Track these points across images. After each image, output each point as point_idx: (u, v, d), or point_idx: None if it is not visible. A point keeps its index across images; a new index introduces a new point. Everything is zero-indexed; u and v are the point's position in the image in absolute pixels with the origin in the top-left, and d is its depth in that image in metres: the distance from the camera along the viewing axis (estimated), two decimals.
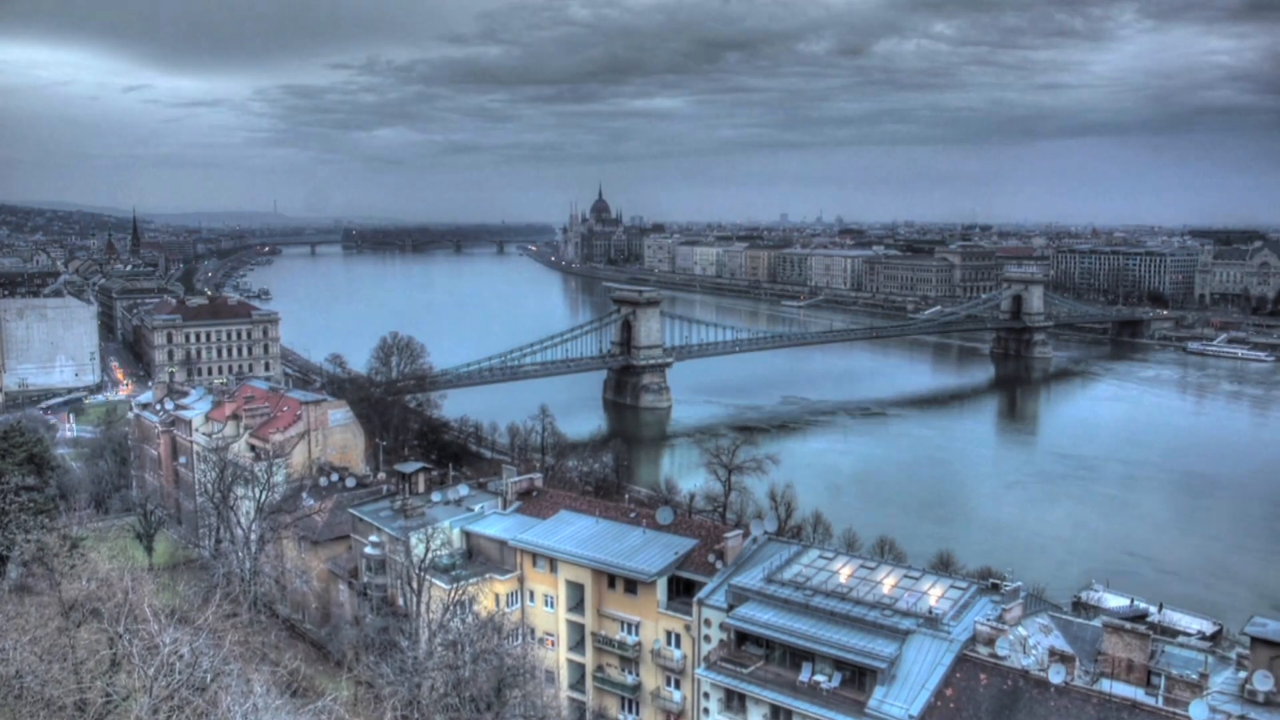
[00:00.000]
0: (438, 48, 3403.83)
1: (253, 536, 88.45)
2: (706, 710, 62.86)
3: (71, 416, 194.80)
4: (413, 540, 76.65)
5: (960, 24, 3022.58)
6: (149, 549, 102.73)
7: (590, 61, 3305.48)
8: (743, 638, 61.95)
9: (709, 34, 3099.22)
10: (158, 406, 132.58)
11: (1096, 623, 57.75)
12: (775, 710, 58.31)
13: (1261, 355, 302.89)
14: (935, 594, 60.03)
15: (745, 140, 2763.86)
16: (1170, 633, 70.47)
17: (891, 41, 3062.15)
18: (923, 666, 54.37)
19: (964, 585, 61.80)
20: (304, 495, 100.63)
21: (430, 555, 74.87)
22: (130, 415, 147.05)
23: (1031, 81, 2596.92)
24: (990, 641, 53.78)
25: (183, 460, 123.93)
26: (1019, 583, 60.99)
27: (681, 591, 69.75)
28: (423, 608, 73.33)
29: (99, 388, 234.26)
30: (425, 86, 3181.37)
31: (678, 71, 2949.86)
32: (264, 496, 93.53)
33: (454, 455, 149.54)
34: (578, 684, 75.86)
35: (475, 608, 71.65)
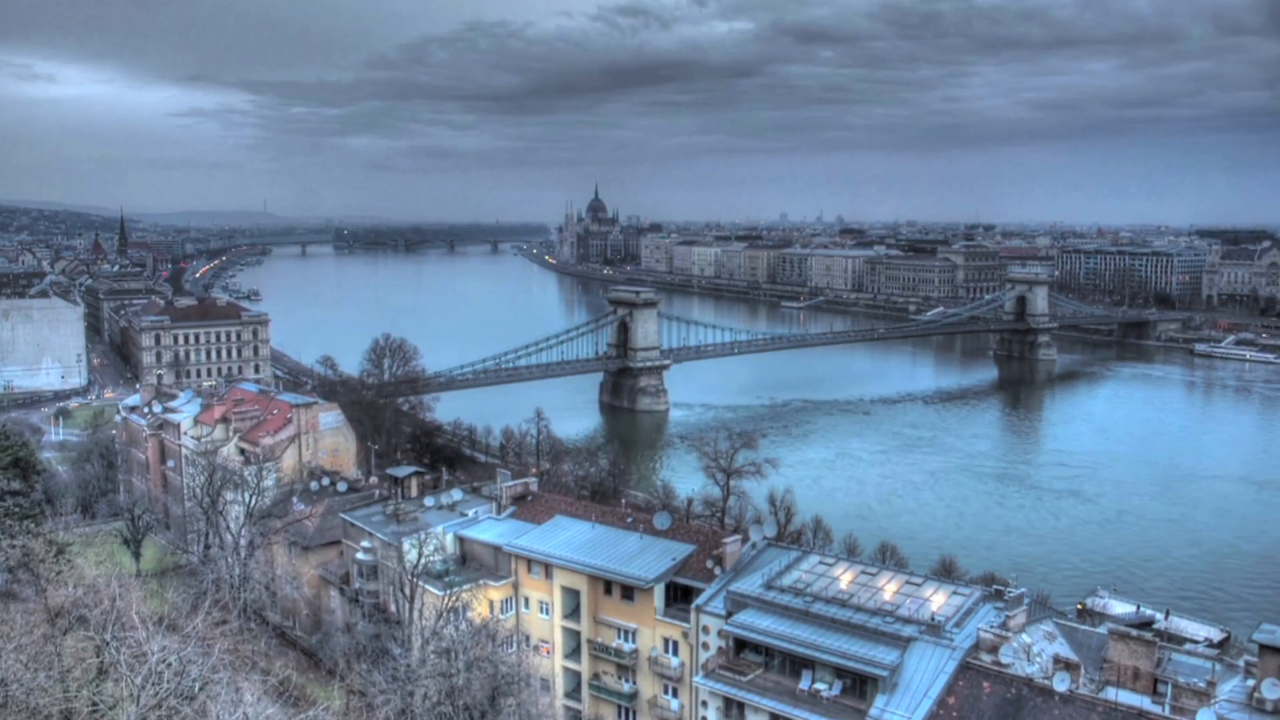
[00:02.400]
0: (370, 70, 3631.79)
1: (242, 542, 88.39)
2: (705, 719, 62.88)
3: (60, 419, 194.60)
4: (405, 546, 76.63)
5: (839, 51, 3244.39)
6: (137, 555, 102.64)
7: (517, 85, 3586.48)
8: (741, 645, 61.97)
9: (618, 61, 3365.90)
10: (145, 409, 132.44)
11: (1102, 630, 57.83)
12: (775, 719, 58.34)
13: (1270, 357, 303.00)
14: (937, 600, 60.08)
15: (699, 146, 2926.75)
16: (1177, 640, 70.50)
17: (779, 64, 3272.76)
18: (925, 674, 54.41)
19: (967, 591, 61.87)
20: (294, 500, 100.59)
21: (423, 561, 74.80)
22: (118, 418, 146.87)
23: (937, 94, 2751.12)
24: (994, 649, 53.81)
25: (171, 464, 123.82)
26: (1023, 589, 61.12)
27: (679, 598, 69.70)
28: (415, 615, 73.24)
29: (86, 390, 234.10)
30: (382, 101, 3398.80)
31: (602, 89, 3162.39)
32: (254, 501, 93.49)
33: (447, 459, 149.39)
34: (573, 692, 75.82)
35: (469, 614, 71.56)
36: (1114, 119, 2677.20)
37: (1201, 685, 49.03)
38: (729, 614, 63.37)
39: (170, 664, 40.41)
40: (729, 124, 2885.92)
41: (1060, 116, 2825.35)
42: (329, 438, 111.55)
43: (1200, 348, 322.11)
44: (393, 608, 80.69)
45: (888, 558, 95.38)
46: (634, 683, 71.99)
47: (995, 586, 63.09)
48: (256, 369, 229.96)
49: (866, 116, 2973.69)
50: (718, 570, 68.17)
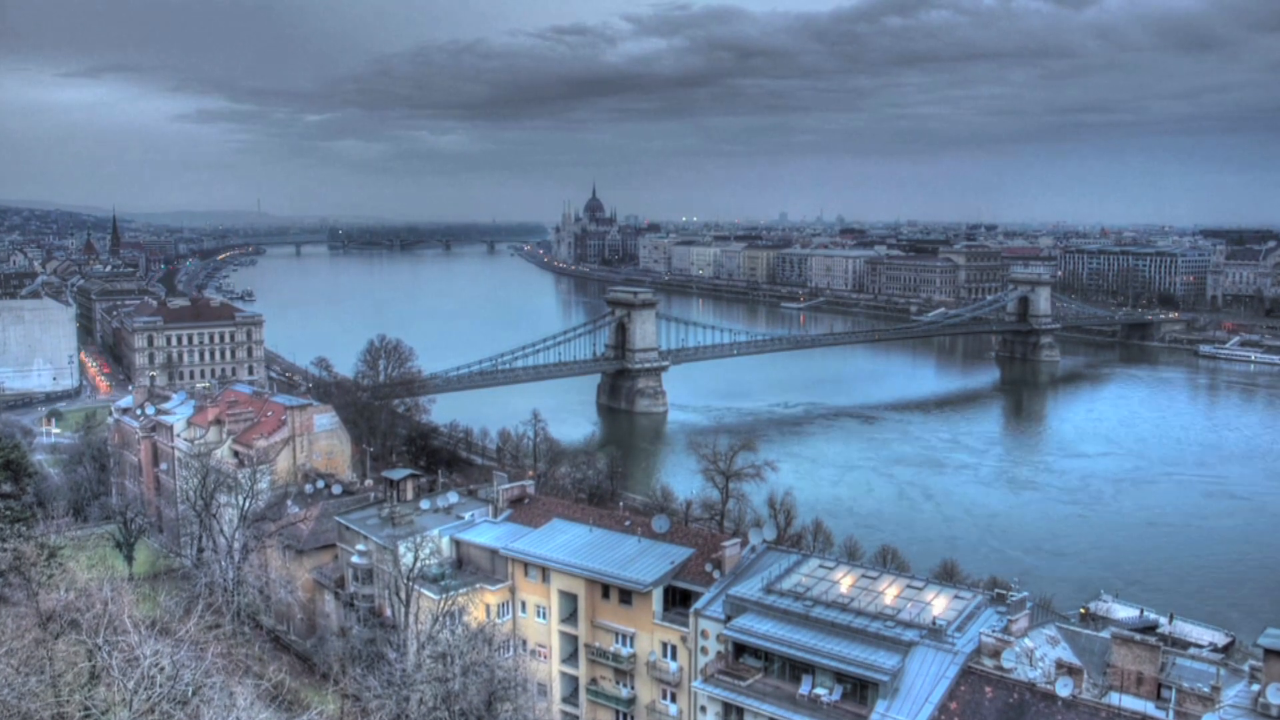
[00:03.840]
0: (339, 83, 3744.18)
1: (236, 545, 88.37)
2: None
3: (52, 421, 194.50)
4: (401, 549, 76.62)
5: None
6: (129, 558, 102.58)
7: (486, 94, 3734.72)
8: (741, 649, 61.99)
9: (575, 72, 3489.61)
10: (138, 411, 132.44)
11: (1105, 634, 57.85)
12: None
13: (1275, 359, 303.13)
14: (939, 604, 60.09)
15: (676, 149, 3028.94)
16: (1181, 644, 70.57)
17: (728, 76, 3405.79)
18: (926, 679, 54.42)
19: (969, 595, 61.88)
20: (289, 503, 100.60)
21: (419, 565, 74.77)
22: (110, 420, 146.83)
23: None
24: (996, 653, 53.82)
25: (164, 467, 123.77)
26: (1025, 593, 60.98)
27: (678, 602, 69.72)
28: (411, 619, 73.27)
29: (77, 391, 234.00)
30: (359, 109, 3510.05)
31: (568, 98, 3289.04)
32: (247, 504, 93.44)
33: (443, 461, 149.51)
34: (571, 697, 75.78)
35: (465, 619, 71.58)
36: (1061, 123, 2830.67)
37: (1206, 690, 49.02)
38: (728, 618, 63.36)
39: (163, 668, 40.43)
40: (694, 129, 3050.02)
41: (1008, 122, 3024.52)
42: (324, 440, 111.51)
43: (1205, 349, 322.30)
44: (388, 612, 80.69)
45: (889, 561, 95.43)
46: (632, 688, 71.95)
47: (997, 590, 63.03)
48: (250, 370, 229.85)
49: (832, 122, 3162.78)
50: (717, 574, 68.20)
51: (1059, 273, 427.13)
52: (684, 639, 67.94)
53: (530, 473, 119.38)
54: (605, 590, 72.26)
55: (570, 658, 75.29)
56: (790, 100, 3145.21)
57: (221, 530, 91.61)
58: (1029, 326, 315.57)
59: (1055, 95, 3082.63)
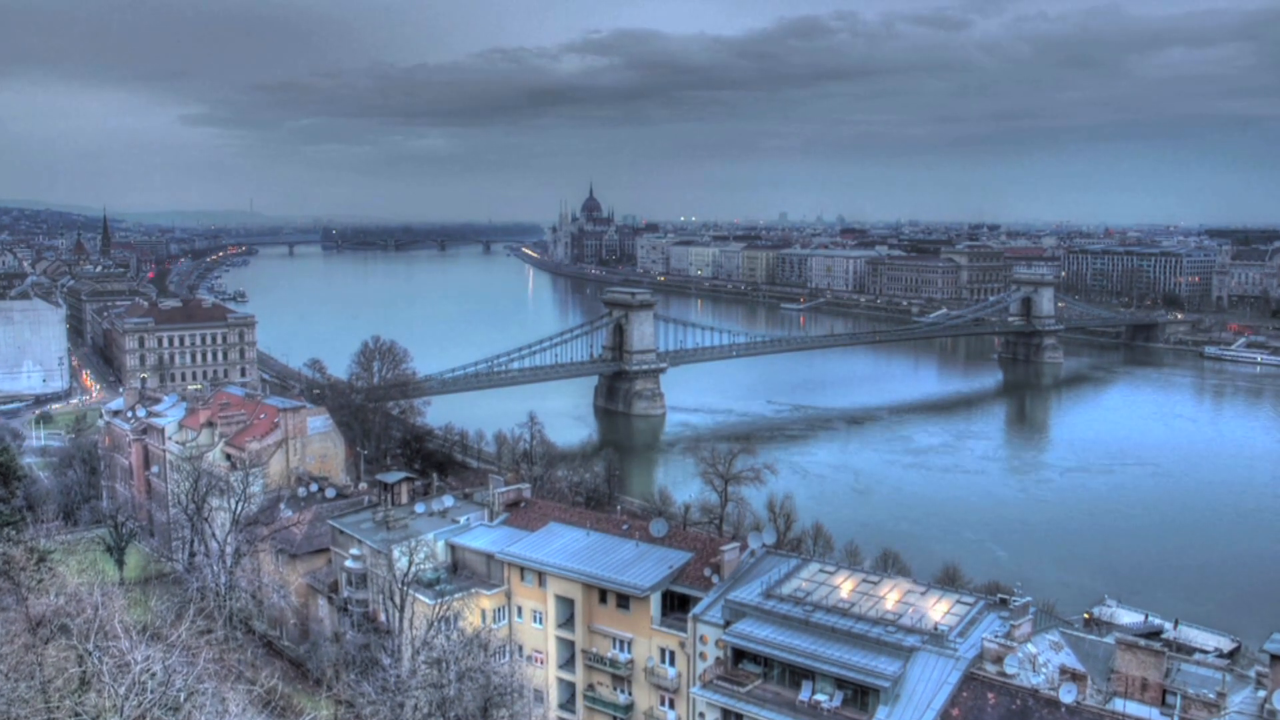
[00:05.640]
0: (295, 92, 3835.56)
1: (228, 549, 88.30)
2: None
3: (41, 423, 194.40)
4: (395, 553, 76.61)
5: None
6: (120, 562, 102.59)
7: (447, 101, 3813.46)
8: (740, 655, 62.00)
9: (526, 84, 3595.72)
10: (129, 414, 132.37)
11: (1109, 639, 57.84)
12: None
13: None
14: (941, 609, 60.14)
15: (677, 149, 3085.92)
16: (1186, 650, 70.58)
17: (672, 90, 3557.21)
18: (928, 685, 54.45)
19: (971, 600, 61.92)
20: (282, 506, 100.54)
21: (414, 569, 74.82)
22: (100, 423, 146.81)
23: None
24: (998, 659, 53.87)
25: (155, 470, 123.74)
26: (1028, 598, 61.00)
27: (676, 607, 69.75)
28: (406, 624, 73.31)
29: (68, 393, 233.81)
30: (327, 118, 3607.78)
31: (526, 106, 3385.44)
32: (240, 508, 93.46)
33: (438, 465, 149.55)
34: (567, 703, 75.81)
35: (460, 624, 71.59)
36: (1003, 129, 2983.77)
37: (1211, 696, 49.09)
38: (727, 623, 63.39)
39: (154, 674, 40.40)
40: (656, 137, 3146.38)
41: (950, 129, 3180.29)
42: (317, 443, 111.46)
43: (1210, 350, 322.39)
44: (382, 617, 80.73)
45: (889, 565, 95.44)
46: (630, 694, 71.96)
47: (1000, 595, 63.02)
48: (243, 372, 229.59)
49: (797, 128, 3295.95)
50: (715, 578, 68.21)
51: (1062, 273, 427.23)
52: (682, 644, 67.96)
53: (526, 476, 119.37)
54: (603, 595, 72.27)
55: (567, 663, 75.29)
56: (738, 109, 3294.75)
57: (213, 534, 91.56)
58: (1032, 328, 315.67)
59: (989, 103, 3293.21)
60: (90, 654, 43.44)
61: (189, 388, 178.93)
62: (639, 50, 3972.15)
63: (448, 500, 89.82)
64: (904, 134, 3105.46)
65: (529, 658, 76.08)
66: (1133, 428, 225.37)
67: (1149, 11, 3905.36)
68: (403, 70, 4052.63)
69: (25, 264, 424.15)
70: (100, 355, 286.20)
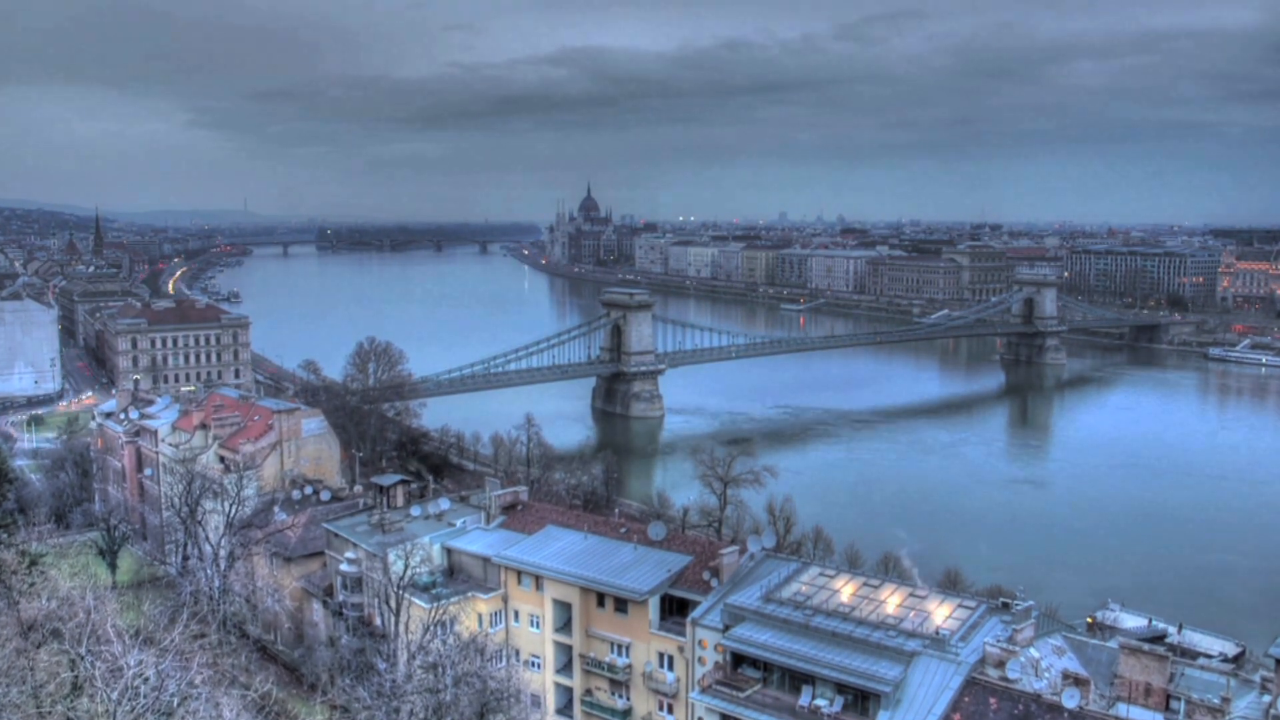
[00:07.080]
0: (276, 99, 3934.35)
1: (222, 553, 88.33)
2: None
3: (33, 426, 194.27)
4: (391, 557, 76.54)
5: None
6: (112, 566, 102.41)
7: (417, 108, 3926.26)
8: (739, 660, 61.98)
9: (492, 92, 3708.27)
10: (122, 416, 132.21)
11: (1113, 644, 57.88)
12: None
13: None
14: (942, 614, 60.15)
15: (676, 149, 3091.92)
16: (1190, 654, 70.50)
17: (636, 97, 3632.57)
18: (929, 690, 54.46)
19: (972, 604, 61.94)
20: (276, 509, 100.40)
21: (409, 573, 74.78)
22: (93, 425, 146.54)
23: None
24: (1000, 664, 53.90)
25: (148, 472, 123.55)
26: (1030, 602, 61.04)
27: (674, 611, 69.71)
28: (401, 628, 73.25)
29: (60, 395, 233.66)
30: (309, 121, 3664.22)
31: (497, 114, 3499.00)
32: (234, 511, 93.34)
33: (434, 467, 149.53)
34: (565, 708, 75.79)
35: (457, 628, 71.62)
36: (952, 135, 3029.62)
37: (1216, 701, 49.11)
38: (726, 627, 63.38)
39: (147, 678, 40.44)
40: (632, 140, 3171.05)
41: (909, 133, 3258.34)
42: (312, 445, 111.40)
43: (1214, 352, 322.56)
44: (378, 621, 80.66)
45: (890, 569, 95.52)
46: (628, 699, 71.95)
47: (1002, 599, 63.08)
48: (237, 374, 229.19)
49: (742, 133, 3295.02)
50: (714, 582, 68.17)
51: (1065, 273, 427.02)
52: (681, 649, 67.95)
53: (524, 479, 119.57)
54: (600, 599, 72.25)
55: (565, 668, 75.28)
56: (699, 116, 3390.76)
57: (207, 537, 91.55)
58: (1034, 329, 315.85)
59: (929, 111, 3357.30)
60: (82, 659, 43.46)
61: (182, 389, 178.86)
62: (590, 63, 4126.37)
63: (444, 503, 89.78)
64: (861, 139, 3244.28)
65: (526, 662, 76.05)
66: (1136, 430, 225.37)
67: (1052, 25, 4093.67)
68: (369, 78, 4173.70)
69: (17, 264, 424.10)
70: (93, 356, 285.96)
